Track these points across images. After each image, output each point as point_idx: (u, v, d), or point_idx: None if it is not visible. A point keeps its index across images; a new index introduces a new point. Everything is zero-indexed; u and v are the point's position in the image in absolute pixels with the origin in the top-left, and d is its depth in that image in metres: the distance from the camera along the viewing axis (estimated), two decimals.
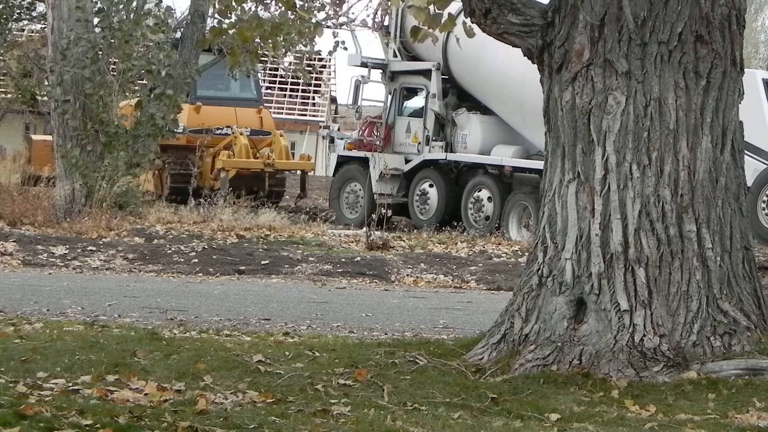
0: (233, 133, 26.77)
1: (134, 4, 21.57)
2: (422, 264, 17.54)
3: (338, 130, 28.75)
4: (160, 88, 21.39)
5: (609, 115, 8.27)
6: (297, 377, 7.76)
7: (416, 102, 24.87)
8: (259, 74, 30.92)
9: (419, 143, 24.09)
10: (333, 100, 40.41)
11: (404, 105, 24.93)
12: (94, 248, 17.34)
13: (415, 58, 24.61)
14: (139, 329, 10.16)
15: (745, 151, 9.07)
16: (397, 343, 9.36)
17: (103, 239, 18.31)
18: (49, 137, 26.31)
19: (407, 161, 24.09)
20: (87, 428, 5.98)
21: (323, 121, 40.74)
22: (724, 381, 7.79)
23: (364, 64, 24.88)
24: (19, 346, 8.53)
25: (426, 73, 24.07)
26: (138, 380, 7.25)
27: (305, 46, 24.21)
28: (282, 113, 40.72)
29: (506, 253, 19.12)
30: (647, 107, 8.23)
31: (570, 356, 8.08)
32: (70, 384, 7.09)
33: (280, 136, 28.04)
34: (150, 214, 21.17)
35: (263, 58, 34.58)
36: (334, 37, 25.72)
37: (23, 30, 32.64)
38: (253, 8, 12.44)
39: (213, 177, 26.43)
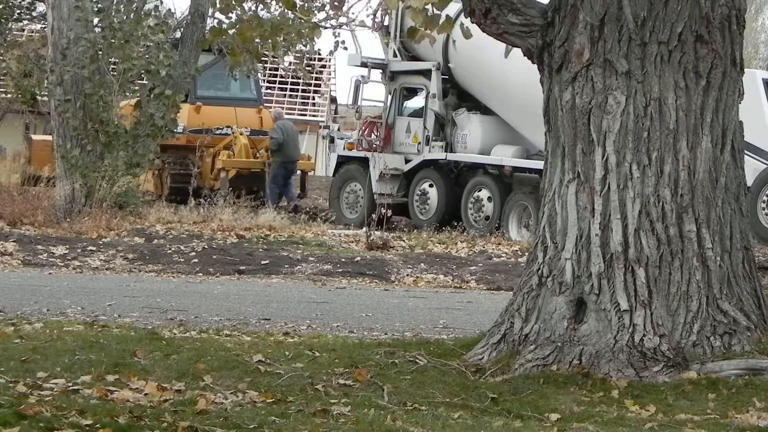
0: (233, 133, 26.78)
1: (134, 4, 21.56)
2: (422, 264, 17.54)
3: (338, 130, 28.75)
4: (160, 88, 21.40)
5: (609, 115, 8.27)
6: (297, 377, 7.76)
7: (416, 102, 24.86)
8: (259, 74, 30.90)
9: (419, 143, 24.09)
10: (333, 100, 40.37)
11: (404, 105, 24.93)
12: (94, 248, 17.34)
13: (415, 58, 24.62)
14: (139, 329, 10.16)
15: (745, 151, 9.07)
16: (397, 343, 9.36)
17: (103, 239, 18.31)
18: (49, 137, 26.29)
19: (407, 161, 24.09)
20: (87, 428, 5.97)
21: (323, 121, 40.74)
22: (724, 381, 7.79)
23: (364, 64, 24.88)
24: (19, 346, 8.53)
25: (426, 73, 24.07)
26: (138, 380, 7.25)
27: (305, 46, 24.19)
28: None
29: (506, 253, 19.12)
30: (647, 107, 8.23)
31: (570, 356, 8.08)
32: (70, 384, 7.09)
33: None
34: (150, 214, 21.17)
35: (263, 58, 34.56)
36: (334, 37, 25.71)
37: (23, 30, 32.62)
38: (253, 8, 12.45)
39: (213, 177, 26.43)
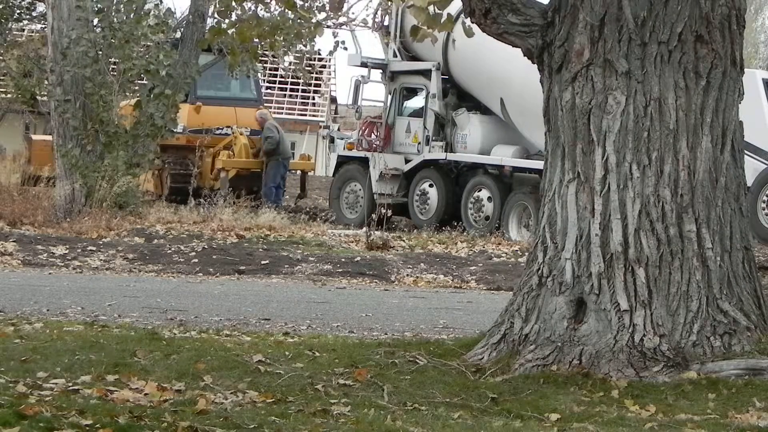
0: (233, 133, 26.79)
1: (134, 5, 21.55)
2: (422, 264, 17.54)
3: (338, 130, 28.75)
4: (160, 87, 21.40)
5: (609, 115, 8.27)
6: (297, 377, 7.76)
7: (416, 102, 24.87)
8: (259, 74, 30.92)
9: (419, 143, 24.10)
10: (333, 100, 40.41)
11: (404, 105, 24.94)
12: (94, 248, 17.34)
13: (415, 58, 24.62)
14: (139, 329, 10.16)
15: (745, 151, 9.06)
16: (397, 343, 9.36)
17: (103, 239, 18.31)
18: (49, 137, 26.30)
19: (407, 161, 24.10)
20: (87, 428, 5.97)
21: (323, 121, 40.74)
22: (724, 381, 7.79)
23: (364, 64, 24.89)
24: (19, 346, 8.53)
25: (426, 73, 24.07)
26: (138, 380, 7.25)
27: (305, 46, 24.20)
28: (282, 113, 40.71)
29: (506, 253, 19.12)
30: (647, 107, 8.23)
31: (570, 356, 8.08)
32: (70, 384, 7.09)
33: None
34: (150, 214, 21.18)
35: (263, 58, 34.57)
36: (334, 37, 25.75)
37: (23, 30, 32.63)
38: (252, 8, 12.44)
39: (213, 177, 26.43)
